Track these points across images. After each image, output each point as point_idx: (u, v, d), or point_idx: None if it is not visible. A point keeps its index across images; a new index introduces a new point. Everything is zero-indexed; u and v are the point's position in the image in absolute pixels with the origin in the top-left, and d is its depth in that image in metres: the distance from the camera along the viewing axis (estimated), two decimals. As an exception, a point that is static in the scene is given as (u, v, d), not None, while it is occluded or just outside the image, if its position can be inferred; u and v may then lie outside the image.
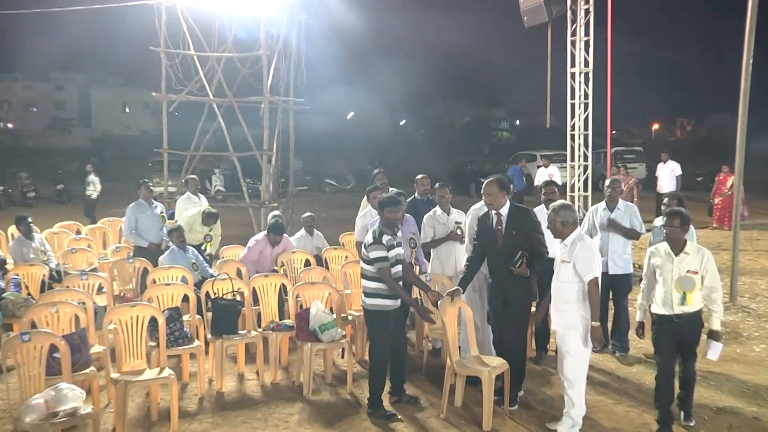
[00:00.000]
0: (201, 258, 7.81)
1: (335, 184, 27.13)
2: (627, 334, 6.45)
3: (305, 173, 26.98)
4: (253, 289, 6.45)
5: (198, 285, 7.00)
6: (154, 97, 12.48)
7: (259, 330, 6.24)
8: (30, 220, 8.22)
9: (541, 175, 15.61)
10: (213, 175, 23.67)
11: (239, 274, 7.25)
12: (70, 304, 5.52)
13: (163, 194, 12.36)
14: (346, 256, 7.74)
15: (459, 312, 5.35)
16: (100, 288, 6.97)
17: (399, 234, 5.15)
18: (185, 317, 6.22)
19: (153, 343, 5.54)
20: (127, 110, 47.52)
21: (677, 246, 4.65)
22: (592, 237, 6.29)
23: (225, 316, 5.97)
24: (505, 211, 5.19)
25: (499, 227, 5.17)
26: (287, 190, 13.91)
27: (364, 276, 5.09)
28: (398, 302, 5.11)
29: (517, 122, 59.20)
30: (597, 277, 4.50)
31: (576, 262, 4.54)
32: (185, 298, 6.28)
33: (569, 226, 4.63)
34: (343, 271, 6.97)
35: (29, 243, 8.11)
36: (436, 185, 6.76)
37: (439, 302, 5.20)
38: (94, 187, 16.29)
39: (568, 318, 4.58)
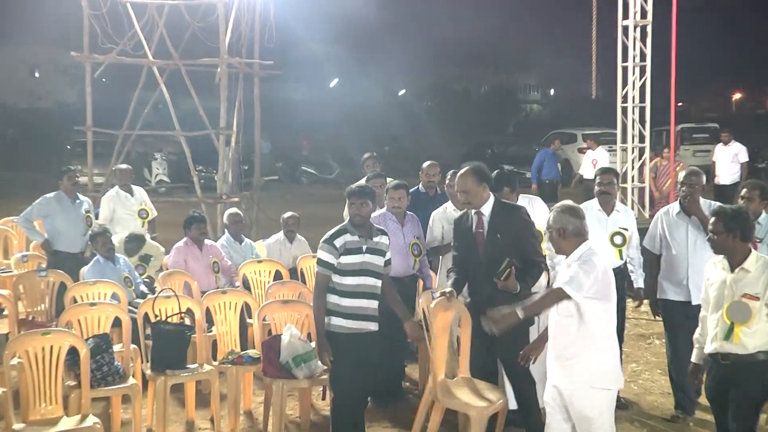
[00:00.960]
0: (134, 270, 7.79)
1: (314, 172, 27.18)
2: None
3: (275, 158, 26.99)
4: (207, 309, 6.44)
5: (133, 304, 6.96)
6: (74, 58, 12.43)
7: (215, 363, 6.23)
8: None
9: (586, 161, 15.61)
10: (153, 162, 23.74)
11: (188, 290, 7.22)
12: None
13: (87, 187, 12.32)
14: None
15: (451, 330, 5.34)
16: (0, 310, 6.93)
17: (380, 239, 5.23)
18: (116, 347, 6.20)
19: (72, 383, 5.49)
20: (37, 75, 47.02)
21: (733, 259, 4.56)
22: (659, 251, 6.18)
23: (169, 346, 5.95)
24: (487, 209, 5.25)
25: (480, 230, 5.21)
26: (251, 181, 13.89)
27: None
28: (371, 325, 5.14)
29: (551, 92, 59.41)
30: (569, 295, 4.33)
31: (567, 275, 4.41)
32: (116, 322, 6.26)
33: (571, 237, 4.45)
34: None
35: None
36: (448, 174, 6.81)
37: (431, 305, 5.33)
38: None
39: (578, 370, 4.40)
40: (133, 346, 6.32)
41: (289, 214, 8.57)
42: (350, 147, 30.51)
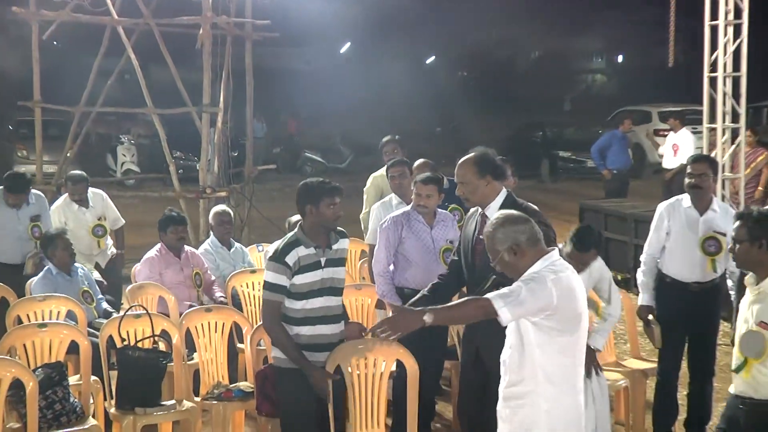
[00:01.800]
0: (95, 283, 7.83)
1: (321, 160, 27.21)
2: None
3: (272, 143, 27.04)
4: (187, 331, 6.45)
5: (94, 326, 6.98)
6: (17, 14, 12.49)
7: (197, 399, 6.25)
8: None
9: (667, 146, 15.52)
10: (119, 146, 23.90)
11: (164, 307, 7.26)
12: None
13: (35, 178, 12.39)
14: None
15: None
16: None
17: (340, 244, 5.39)
18: (72, 379, 6.23)
19: (16, 425, 5.54)
20: (-31, 37, 48.00)
21: (759, 274, 4.66)
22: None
23: (139, 378, 5.97)
24: (494, 209, 5.25)
25: (481, 236, 5.13)
26: (242, 171, 13.95)
27: None
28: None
29: (619, 58, 59.19)
30: (494, 310, 4.24)
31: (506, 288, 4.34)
32: (73, 348, 6.29)
33: (529, 248, 4.37)
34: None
35: None
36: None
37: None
38: None
39: (529, 413, 4.39)
40: (93, 377, 6.33)
41: (298, 218, 8.46)
42: (365, 128, 30.54)
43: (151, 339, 6.23)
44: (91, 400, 6.30)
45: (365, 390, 5.56)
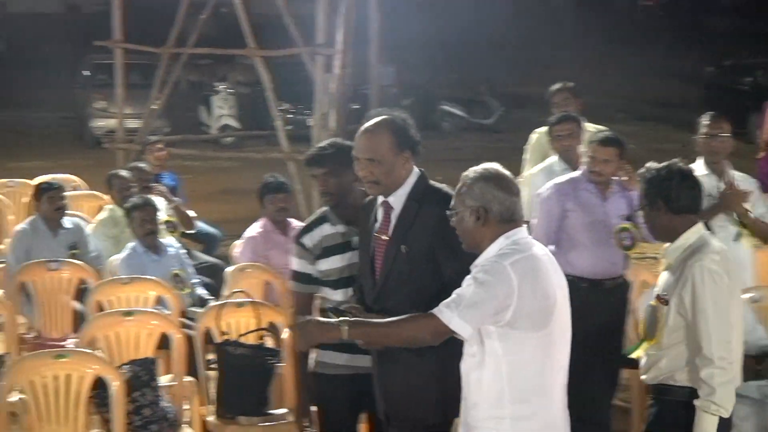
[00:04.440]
0: (188, 261, 8.05)
1: (462, 114, 27.08)
2: None
3: (402, 93, 27.05)
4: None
5: (189, 315, 7.24)
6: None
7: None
8: None
9: None
10: (214, 97, 24.07)
11: (272, 294, 7.43)
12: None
13: (116, 135, 12.75)
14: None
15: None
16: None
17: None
18: (164, 379, 6.42)
19: (100, 432, 5.75)
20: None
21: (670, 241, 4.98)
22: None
23: (244, 380, 6.09)
24: (399, 198, 4.92)
25: (383, 235, 4.95)
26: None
27: None
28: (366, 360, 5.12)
29: None
30: (445, 324, 4.17)
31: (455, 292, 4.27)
32: (164, 342, 6.47)
33: (496, 223, 4.32)
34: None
35: None
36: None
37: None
38: None
39: None
40: (189, 378, 6.51)
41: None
42: (518, 75, 30.15)
43: (258, 333, 6.33)
44: (186, 405, 6.47)
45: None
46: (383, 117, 4.94)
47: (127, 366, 5.97)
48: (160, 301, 7.18)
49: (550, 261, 4.40)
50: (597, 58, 34.28)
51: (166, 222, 8.83)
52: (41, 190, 8.63)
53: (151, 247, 7.81)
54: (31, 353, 6.29)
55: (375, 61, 14.00)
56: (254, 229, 7.99)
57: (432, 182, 5.02)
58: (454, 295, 4.19)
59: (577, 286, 6.43)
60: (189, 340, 6.52)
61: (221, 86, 24.22)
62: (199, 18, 13.24)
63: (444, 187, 4.98)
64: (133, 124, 14.25)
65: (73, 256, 8.31)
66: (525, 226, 4.41)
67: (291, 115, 19.28)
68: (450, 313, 4.14)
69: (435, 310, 4.17)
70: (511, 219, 4.31)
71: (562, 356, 4.39)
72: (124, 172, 9.24)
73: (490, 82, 28.79)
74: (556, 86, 8.64)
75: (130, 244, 7.87)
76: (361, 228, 5.14)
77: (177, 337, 6.42)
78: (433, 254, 4.77)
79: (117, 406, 5.58)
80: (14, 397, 5.73)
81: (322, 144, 5.63)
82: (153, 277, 7.33)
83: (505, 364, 4.24)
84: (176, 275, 7.70)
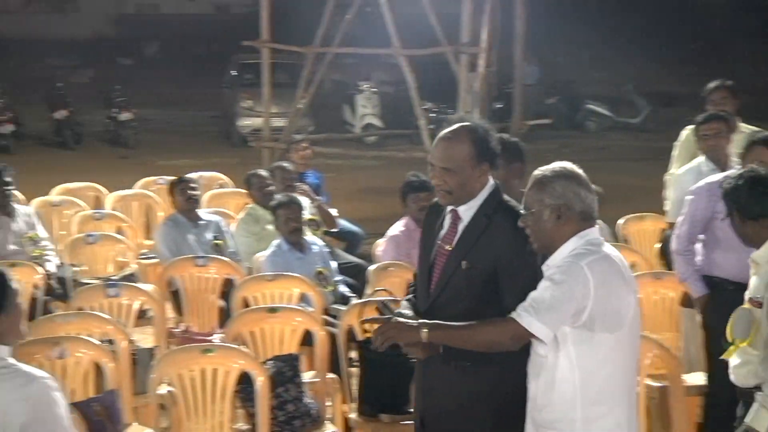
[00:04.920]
0: (332, 259, 8.20)
1: (608, 113, 26.79)
2: None
3: (546, 92, 26.88)
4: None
5: (332, 312, 7.31)
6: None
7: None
8: (8, 178, 8.83)
9: None
10: (358, 96, 24.26)
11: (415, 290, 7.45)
12: (86, 344, 5.95)
13: (262, 134, 12.91)
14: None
15: None
16: (142, 313, 7.45)
17: None
18: (307, 375, 6.46)
19: (244, 427, 5.82)
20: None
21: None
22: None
23: (386, 377, 6.08)
24: (470, 209, 4.75)
25: (446, 245, 4.77)
26: (509, 126, 14.00)
27: None
28: None
29: None
30: (526, 328, 4.09)
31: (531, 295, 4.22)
32: (308, 339, 6.56)
33: (575, 221, 4.29)
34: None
35: (7, 223, 8.78)
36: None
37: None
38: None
39: None
40: (332, 375, 6.56)
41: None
42: (666, 73, 29.60)
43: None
44: (328, 402, 6.52)
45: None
46: (465, 124, 4.72)
47: (271, 362, 6.05)
48: (303, 298, 7.26)
49: (622, 262, 4.34)
50: (751, 55, 33.48)
51: (309, 220, 8.92)
52: (173, 185, 9.02)
53: (295, 244, 7.93)
54: (179, 347, 6.41)
55: (519, 59, 13.94)
56: (397, 227, 8.07)
57: (506, 197, 4.81)
58: (529, 298, 4.15)
59: (724, 288, 6.34)
60: (332, 337, 6.57)
61: (365, 85, 24.45)
62: (345, 18, 13.33)
63: (518, 205, 4.69)
64: (278, 123, 14.42)
65: (216, 247, 8.54)
66: (597, 226, 4.36)
67: (434, 114, 19.25)
68: (530, 318, 4.10)
69: (514, 314, 4.14)
70: (589, 217, 4.30)
71: (634, 358, 4.38)
72: (262, 171, 9.40)
73: (636, 81, 28.42)
74: (713, 84, 8.41)
75: (275, 242, 8.00)
76: (425, 231, 4.97)
77: (320, 334, 6.49)
78: (495, 276, 4.58)
79: (261, 400, 5.66)
80: (163, 389, 5.86)
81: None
82: (297, 275, 7.43)
83: (578, 367, 4.22)
84: (320, 273, 7.80)
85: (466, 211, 4.69)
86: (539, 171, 4.36)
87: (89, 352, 5.89)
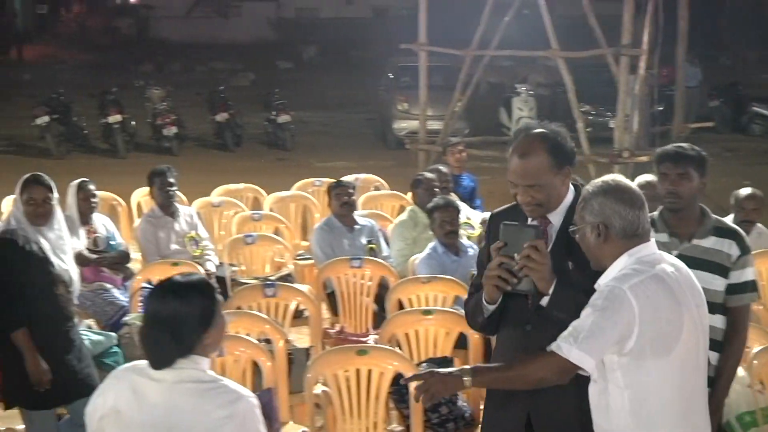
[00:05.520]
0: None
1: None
2: None
3: (709, 94, 26.35)
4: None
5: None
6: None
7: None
8: (171, 179, 9.16)
9: None
10: (515, 98, 24.10)
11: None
12: (244, 342, 6.08)
13: (418, 135, 12.94)
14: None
15: None
16: (299, 313, 7.55)
17: None
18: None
19: (398, 428, 5.90)
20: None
21: None
22: None
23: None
24: (560, 213, 4.58)
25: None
26: (669, 129, 13.77)
27: None
28: None
29: None
30: (567, 359, 3.91)
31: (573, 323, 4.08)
32: (462, 342, 6.57)
33: (618, 239, 4.14)
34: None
35: (170, 223, 9.08)
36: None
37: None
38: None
39: None
40: (487, 378, 6.59)
41: (747, 191, 8.06)
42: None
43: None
44: (482, 406, 6.53)
45: None
46: (536, 136, 4.60)
47: (425, 364, 6.08)
48: (458, 301, 7.24)
49: (677, 279, 4.15)
50: None
51: (464, 224, 8.90)
52: (330, 188, 9.15)
53: (450, 247, 7.94)
54: (335, 348, 6.46)
55: (681, 61, 13.70)
56: None
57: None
58: (570, 327, 4.04)
59: None
60: (486, 340, 6.53)
61: (522, 88, 24.17)
62: (503, 20, 13.29)
63: None
64: (434, 125, 14.45)
65: (371, 251, 8.61)
66: (651, 241, 4.18)
67: (591, 117, 19.11)
68: (568, 347, 3.98)
69: (553, 346, 4.02)
70: (634, 234, 4.14)
71: (695, 377, 4.22)
72: (429, 174, 9.44)
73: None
74: None
75: (431, 244, 8.03)
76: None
77: (474, 337, 6.47)
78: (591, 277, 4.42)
79: (415, 402, 5.68)
80: (318, 389, 5.94)
81: (681, 144, 5.45)
82: (452, 277, 7.44)
83: (627, 395, 4.11)
84: (474, 275, 7.77)
85: (556, 214, 4.61)
86: (586, 186, 4.31)
87: (247, 350, 6.03)
